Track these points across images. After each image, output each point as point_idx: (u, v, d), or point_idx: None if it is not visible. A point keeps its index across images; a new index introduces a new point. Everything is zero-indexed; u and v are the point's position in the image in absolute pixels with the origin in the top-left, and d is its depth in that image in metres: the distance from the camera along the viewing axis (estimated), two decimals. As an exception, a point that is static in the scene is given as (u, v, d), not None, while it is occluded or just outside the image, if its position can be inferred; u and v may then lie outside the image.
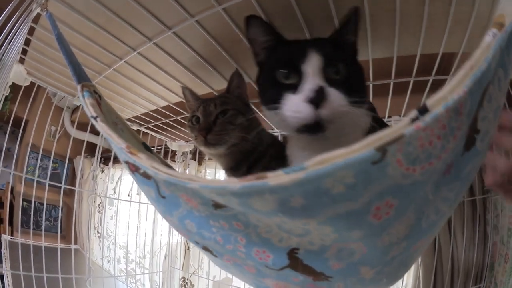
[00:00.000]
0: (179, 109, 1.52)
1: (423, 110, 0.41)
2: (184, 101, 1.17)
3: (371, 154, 0.39)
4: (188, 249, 2.31)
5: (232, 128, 0.96)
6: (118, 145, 0.58)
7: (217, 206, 0.56)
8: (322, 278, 0.64)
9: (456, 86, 0.43)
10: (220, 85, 1.30)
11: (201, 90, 1.32)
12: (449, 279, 1.59)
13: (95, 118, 0.65)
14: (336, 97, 0.66)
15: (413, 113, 0.41)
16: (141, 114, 1.67)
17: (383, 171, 0.42)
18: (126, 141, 0.58)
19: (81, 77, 0.78)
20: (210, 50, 1.11)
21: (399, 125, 0.40)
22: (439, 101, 0.42)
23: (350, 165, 0.39)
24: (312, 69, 0.70)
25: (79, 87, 0.74)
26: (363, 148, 0.39)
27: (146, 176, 0.60)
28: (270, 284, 0.73)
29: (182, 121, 1.64)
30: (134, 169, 0.60)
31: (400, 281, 1.77)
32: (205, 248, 0.71)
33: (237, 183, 0.42)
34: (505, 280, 1.44)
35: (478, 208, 1.59)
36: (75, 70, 0.79)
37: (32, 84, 1.45)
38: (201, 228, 0.64)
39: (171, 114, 1.62)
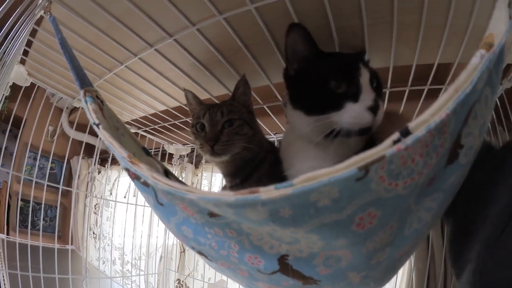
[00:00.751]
0: (177, 113, 1.54)
1: (405, 133, 0.43)
2: (185, 105, 1.19)
3: (354, 173, 0.42)
4: (184, 251, 2.32)
5: (238, 138, 0.97)
6: (119, 153, 0.60)
7: (212, 215, 0.58)
8: (311, 282, 0.67)
9: (439, 110, 0.45)
10: (218, 91, 1.32)
11: (200, 96, 1.32)
12: (442, 283, 1.59)
13: (97, 125, 0.67)
14: (381, 106, 0.74)
15: (396, 135, 0.43)
16: (140, 118, 1.68)
17: (366, 187, 0.45)
18: (127, 149, 0.61)
19: (84, 82, 0.79)
20: (210, 58, 1.12)
21: (382, 146, 0.43)
22: (422, 124, 0.44)
23: (334, 183, 0.42)
24: (365, 81, 0.77)
25: (82, 92, 0.75)
26: (347, 167, 0.42)
27: (145, 184, 0.61)
28: (262, 287, 0.76)
29: (180, 125, 1.65)
30: (134, 176, 0.62)
31: (393, 286, 1.78)
32: (200, 253, 0.74)
33: (232, 196, 0.45)
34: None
35: None
36: (78, 75, 0.80)
37: (32, 84, 1.46)
38: (197, 234, 0.67)
39: (169, 118, 1.63)
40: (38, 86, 1.49)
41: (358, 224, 0.52)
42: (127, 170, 0.62)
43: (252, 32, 0.99)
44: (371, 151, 0.43)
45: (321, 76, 0.81)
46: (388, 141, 0.43)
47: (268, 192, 0.43)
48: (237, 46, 1.04)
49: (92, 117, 0.68)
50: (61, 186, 1.86)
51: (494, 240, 0.64)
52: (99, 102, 0.76)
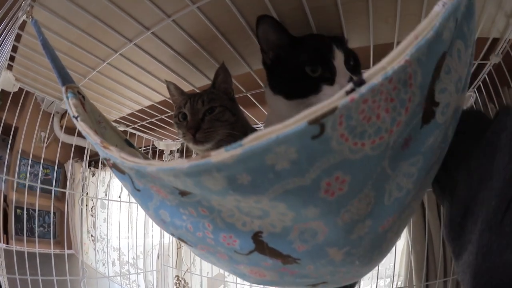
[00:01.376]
0: (163, 108, 1.55)
1: (359, 82, 0.40)
2: (169, 98, 1.20)
3: (304, 127, 0.39)
4: (180, 247, 2.34)
5: (220, 125, 0.99)
6: (94, 141, 0.60)
7: (182, 194, 0.58)
8: (291, 261, 0.64)
9: (397, 56, 0.42)
10: (200, 82, 1.34)
11: (183, 88, 1.33)
12: (442, 266, 1.59)
13: (76, 117, 0.67)
14: None
15: (349, 85, 0.40)
16: (127, 115, 1.69)
17: (326, 146, 0.42)
18: (101, 137, 0.61)
19: (65, 79, 0.81)
20: (189, 48, 1.14)
21: (334, 98, 0.40)
22: (377, 72, 0.41)
23: (285, 140, 0.39)
24: (339, 63, 0.80)
25: (63, 89, 0.77)
26: (296, 122, 0.39)
27: (120, 170, 0.62)
28: (244, 270, 0.75)
29: (167, 119, 1.67)
30: (111, 164, 0.62)
31: (393, 269, 1.80)
32: (180, 239, 0.73)
33: (185, 163, 0.43)
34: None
35: None
36: (60, 73, 0.82)
37: (20, 90, 1.47)
38: (173, 217, 0.66)
39: (156, 114, 1.65)
40: (27, 93, 1.50)
41: (326, 191, 0.48)
42: (105, 159, 0.62)
43: (227, 20, 1.00)
44: (322, 104, 0.39)
45: (296, 62, 0.85)
46: (340, 92, 0.40)
47: (218, 154, 0.41)
48: (213, 34, 1.06)
49: (72, 111, 0.70)
50: (53, 188, 1.88)
51: (499, 219, 0.59)
52: (81, 98, 0.77)
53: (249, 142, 0.40)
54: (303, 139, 0.40)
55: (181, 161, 0.44)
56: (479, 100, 1.44)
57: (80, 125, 0.65)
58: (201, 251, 0.75)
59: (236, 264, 0.72)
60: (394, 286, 1.78)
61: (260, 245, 0.62)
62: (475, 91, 1.42)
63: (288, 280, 0.74)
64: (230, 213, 0.58)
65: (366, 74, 0.41)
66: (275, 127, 0.39)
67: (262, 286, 1.84)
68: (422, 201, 1.61)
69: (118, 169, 0.62)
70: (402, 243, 1.80)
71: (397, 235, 0.72)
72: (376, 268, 1.73)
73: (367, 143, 0.45)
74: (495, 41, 1.17)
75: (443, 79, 0.52)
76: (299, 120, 0.39)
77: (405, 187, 0.58)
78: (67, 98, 0.74)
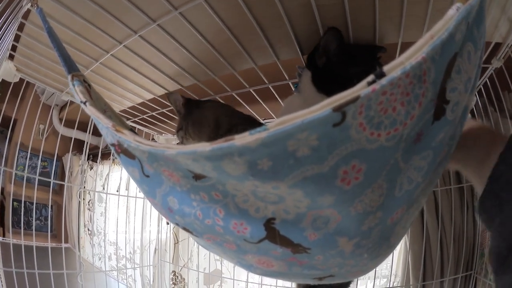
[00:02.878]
0: (164, 102, 1.55)
1: (380, 74, 0.42)
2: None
3: (328, 114, 0.40)
4: (178, 242, 2.34)
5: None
6: (105, 125, 0.59)
7: (197, 177, 0.57)
8: (301, 250, 0.65)
9: (414, 53, 0.44)
10: (204, 76, 1.33)
11: (186, 81, 1.36)
12: (439, 266, 1.60)
13: (84, 103, 0.67)
14: None
15: (370, 77, 0.42)
16: (128, 108, 1.69)
17: (346, 134, 0.44)
18: (113, 121, 0.60)
19: (71, 68, 0.81)
20: (194, 42, 1.14)
21: (356, 87, 0.42)
22: (396, 66, 0.43)
23: (309, 126, 0.41)
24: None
25: (69, 77, 0.77)
26: (321, 109, 0.40)
27: (130, 156, 0.62)
28: (252, 260, 0.74)
29: (168, 113, 1.67)
30: (119, 150, 0.62)
31: (389, 269, 1.80)
32: (186, 229, 0.73)
33: (207, 146, 0.44)
34: (496, 267, 1.46)
35: (465, 195, 1.61)
36: (66, 61, 0.81)
37: (20, 83, 1.47)
38: (182, 204, 0.66)
39: (157, 107, 1.65)
40: (27, 85, 1.51)
41: (342, 179, 0.50)
42: (113, 145, 0.63)
43: (233, 14, 1.00)
44: (345, 92, 0.41)
45: (346, 73, 0.94)
46: (362, 83, 0.42)
47: (243, 138, 0.42)
48: (219, 28, 1.05)
49: (80, 97, 0.69)
50: (52, 180, 1.88)
51: None
52: (86, 86, 0.77)
53: (275, 126, 0.41)
54: (325, 126, 0.41)
55: (202, 145, 0.44)
56: (479, 103, 1.45)
57: (90, 110, 0.65)
58: (207, 242, 0.74)
59: (243, 254, 0.72)
60: (391, 286, 1.77)
61: (271, 232, 0.62)
62: (475, 94, 1.43)
63: (296, 271, 0.74)
64: (245, 198, 0.59)
65: (386, 68, 0.42)
66: (300, 112, 0.40)
67: (259, 282, 1.87)
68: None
69: (127, 154, 0.62)
70: (400, 243, 1.80)
71: (404, 229, 0.73)
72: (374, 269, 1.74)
73: (383, 134, 0.47)
74: (498, 45, 1.17)
75: (454, 78, 0.54)
76: (324, 106, 0.40)
77: (415, 180, 0.60)
78: (74, 85, 0.73)
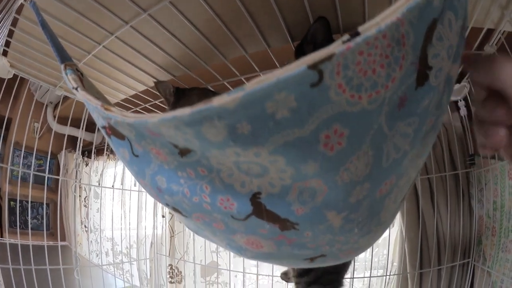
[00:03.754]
0: (157, 93, 1.50)
1: (355, 34, 0.42)
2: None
3: (303, 71, 0.40)
4: (173, 235, 2.35)
5: None
6: (95, 105, 0.59)
7: (182, 153, 0.58)
8: (289, 226, 0.65)
9: (390, 15, 0.44)
10: (196, 66, 1.34)
11: (177, 71, 1.37)
12: (436, 254, 1.61)
13: (76, 88, 0.67)
14: None
15: (345, 36, 0.42)
16: (121, 101, 1.69)
17: (325, 96, 0.44)
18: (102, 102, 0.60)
19: (64, 58, 0.82)
20: (185, 31, 1.15)
21: (331, 46, 0.41)
22: (371, 26, 0.43)
23: (285, 84, 0.41)
24: None
25: (62, 66, 0.77)
26: (296, 66, 0.40)
27: (120, 136, 0.63)
28: (241, 241, 0.75)
29: (161, 105, 1.67)
30: (110, 132, 0.63)
31: (386, 257, 1.81)
32: (175, 209, 0.73)
33: (187, 110, 0.43)
34: (493, 253, 1.48)
35: (461, 182, 1.62)
36: (59, 52, 0.82)
37: (13, 81, 1.48)
38: (170, 182, 0.66)
39: (150, 99, 1.65)
40: (20, 83, 1.51)
41: (325, 144, 0.49)
42: (104, 128, 0.64)
43: (224, 2, 1.01)
44: (321, 51, 0.41)
45: None
46: (337, 42, 0.41)
47: (221, 98, 0.41)
48: (210, 17, 1.06)
49: (72, 84, 0.70)
50: (46, 175, 1.89)
51: None
52: (79, 74, 0.78)
53: (251, 86, 0.41)
54: (302, 85, 0.41)
55: (182, 110, 0.44)
56: (473, 91, 1.45)
57: (80, 94, 0.65)
58: (196, 222, 0.74)
59: (232, 234, 0.72)
60: (388, 274, 1.78)
61: (258, 207, 0.62)
62: (468, 82, 1.44)
63: (286, 250, 0.74)
64: (229, 172, 0.59)
65: (361, 28, 0.42)
66: (276, 72, 0.40)
67: (256, 273, 1.89)
68: (415, 189, 1.63)
69: (117, 135, 0.63)
70: (396, 231, 1.82)
71: (395, 205, 0.73)
72: (370, 257, 1.75)
73: (364, 97, 0.47)
74: (490, 32, 1.18)
75: (435, 45, 0.53)
76: (299, 64, 0.40)
77: (402, 148, 0.60)
78: (66, 74, 0.74)
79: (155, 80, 1.42)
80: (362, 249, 0.82)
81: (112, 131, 0.62)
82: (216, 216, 0.67)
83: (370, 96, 0.47)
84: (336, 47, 0.41)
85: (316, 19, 0.98)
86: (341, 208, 0.61)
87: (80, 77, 0.77)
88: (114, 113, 0.55)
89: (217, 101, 0.41)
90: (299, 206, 0.60)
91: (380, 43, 0.44)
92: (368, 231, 0.71)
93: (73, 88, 0.69)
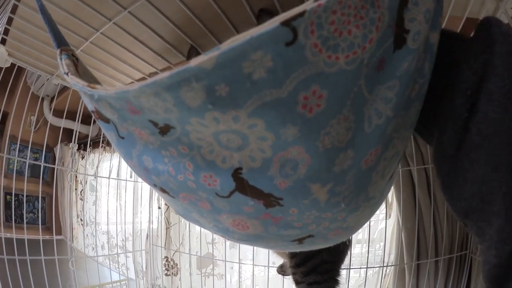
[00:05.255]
0: None
1: None
2: (161, 70, 1.23)
3: (277, 28, 0.40)
4: (169, 227, 2.35)
5: None
6: (81, 85, 0.60)
7: (162, 131, 0.58)
8: (273, 202, 0.64)
9: None
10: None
11: (174, 58, 1.38)
12: (433, 245, 1.61)
13: (66, 73, 0.67)
14: None
15: None
16: None
17: (301, 55, 0.44)
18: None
19: (61, 42, 0.82)
20: (183, 17, 1.15)
21: (304, 4, 0.42)
22: None
23: (260, 42, 0.41)
24: None
25: (58, 51, 0.78)
26: (269, 24, 0.40)
27: (105, 120, 0.63)
28: (227, 222, 0.74)
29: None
30: (97, 116, 0.64)
31: (383, 249, 1.82)
32: (163, 190, 0.73)
33: (166, 73, 0.44)
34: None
35: None
36: (56, 37, 0.83)
37: (9, 74, 1.50)
38: (156, 162, 0.66)
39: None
40: (16, 77, 1.52)
41: (304, 106, 0.49)
42: (93, 112, 0.64)
43: None
44: (293, 9, 0.41)
45: None
46: (310, 0, 0.42)
47: (197, 59, 0.42)
48: (208, 3, 1.07)
49: (64, 68, 0.70)
50: (42, 164, 1.88)
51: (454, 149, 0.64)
52: (74, 59, 0.79)
53: (226, 44, 0.41)
54: (277, 44, 0.42)
55: (162, 74, 0.44)
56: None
57: (70, 78, 0.66)
58: (183, 202, 0.74)
59: (218, 214, 0.72)
60: (385, 266, 1.79)
61: (240, 183, 0.62)
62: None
63: (273, 232, 0.74)
64: (210, 148, 0.59)
65: None
66: (250, 30, 0.41)
67: (251, 263, 1.89)
68: (412, 179, 1.64)
69: (103, 119, 0.63)
70: (393, 223, 1.83)
71: (383, 180, 0.72)
72: (366, 253, 1.76)
73: (341, 57, 0.47)
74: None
75: (411, 9, 0.55)
76: (272, 22, 0.40)
77: (384, 113, 0.59)
78: (61, 59, 0.74)
79: (151, 67, 1.43)
80: (351, 229, 0.81)
81: (99, 115, 0.63)
82: (202, 194, 0.67)
83: (347, 57, 0.48)
84: (308, 4, 0.41)
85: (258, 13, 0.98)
86: (325, 179, 0.61)
87: (75, 62, 0.77)
88: (98, 90, 0.56)
89: (194, 61, 0.42)
90: (281, 179, 0.60)
91: (353, 3, 0.45)
92: (356, 207, 0.70)
93: (64, 73, 0.69)
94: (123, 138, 0.66)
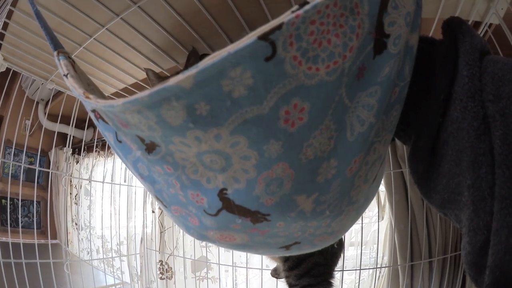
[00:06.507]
0: (146, 86, 1.56)
1: (304, 3, 0.42)
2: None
3: (254, 42, 0.40)
4: (163, 231, 2.35)
5: None
6: (78, 93, 0.60)
7: (148, 149, 0.58)
8: (261, 218, 0.63)
9: None
10: (184, 57, 1.32)
11: (166, 64, 1.38)
12: (427, 246, 1.61)
13: (66, 75, 0.68)
14: None
15: (294, 7, 0.42)
16: (111, 94, 1.69)
17: (280, 70, 0.44)
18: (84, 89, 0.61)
19: (57, 45, 0.83)
20: (174, 23, 1.16)
21: (281, 16, 0.41)
22: None
23: (239, 59, 0.40)
24: None
25: (55, 53, 0.79)
26: (246, 39, 0.40)
27: (105, 121, 0.62)
28: (214, 237, 0.73)
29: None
30: (98, 115, 0.62)
31: (376, 251, 1.81)
32: (157, 197, 0.73)
33: (146, 92, 0.44)
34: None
35: None
36: (52, 40, 0.84)
37: (4, 79, 1.50)
38: (150, 171, 0.66)
39: (138, 92, 1.62)
40: (11, 80, 1.53)
41: (286, 120, 0.49)
42: (93, 111, 0.62)
43: None
44: (270, 22, 0.41)
45: None
46: (287, 12, 0.42)
47: (176, 78, 0.42)
48: (197, 9, 1.07)
49: (63, 69, 0.70)
50: (37, 168, 1.89)
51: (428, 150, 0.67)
52: (71, 61, 0.80)
53: (203, 63, 0.41)
54: (257, 60, 0.41)
55: (142, 92, 0.45)
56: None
57: (69, 81, 0.66)
58: (174, 214, 0.74)
59: (205, 230, 0.71)
60: (378, 268, 1.79)
61: (227, 202, 0.62)
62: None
63: (259, 240, 0.73)
64: (194, 169, 0.59)
65: None
66: (228, 47, 0.41)
67: (245, 266, 1.90)
68: (404, 180, 1.65)
69: (104, 120, 0.62)
70: (386, 225, 1.83)
71: (366, 184, 0.72)
72: (359, 255, 1.76)
73: (322, 68, 0.47)
74: (477, 24, 1.18)
75: (390, 13, 0.54)
76: (249, 37, 0.40)
77: (367, 121, 0.59)
78: (59, 60, 0.75)
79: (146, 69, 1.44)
80: (337, 233, 0.81)
81: (100, 115, 0.62)
82: (192, 209, 0.67)
83: (328, 67, 0.48)
84: (285, 16, 0.41)
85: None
86: (310, 190, 0.61)
87: (72, 64, 0.78)
88: (91, 100, 0.56)
89: (172, 80, 0.42)
90: (267, 197, 0.59)
91: (332, 11, 0.45)
92: (340, 212, 0.70)
93: (63, 74, 0.70)
94: (120, 142, 0.67)
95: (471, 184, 0.57)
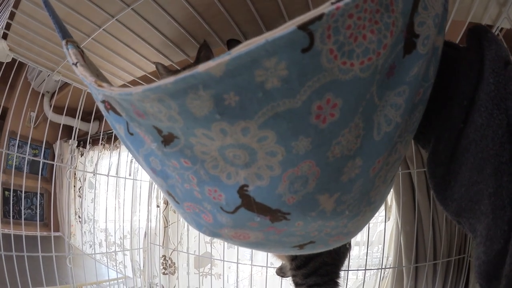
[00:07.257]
0: (155, 79, 1.51)
1: None
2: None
3: (293, 32, 0.38)
4: (167, 226, 2.35)
5: None
6: (89, 81, 0.58)
7: (165, 141, 0.56)
8: (280, 217, 0.62)
9: None
10: (195, 51, 1.31)
11: (176, 57, 1.37)
12: (431, 248, 1.60)
13: (75, 64, 0.67)
14: None
15: None
16: (120, 87, 1.66)
17: (316, 62, 0.42)
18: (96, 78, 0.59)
19: (65, 34, 0.82)
20: (186, 15, 1.14)
21: (321, 7, 0.40)
22: None
23: (275, 48, 0.39)
24: None
25: (63, 42, 0.78)
26: (285, 27, 0.38)
27: (117, 112, 0.61)
28: (228, 235, 0.72)
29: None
30: (109, 107, 0.62)
31: (381, 251, 1.81)
32: (168, 193, 0.72)
33: (171, 78, 0.41)
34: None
35: None
36: (60, 29, 0.83)
37: (9, 70, 1.49)
38: (164, 165, 0.65)
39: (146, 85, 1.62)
40: (17, 72, 1.52)
41: (317, 116, 0.48)
42: (103, 102, 0.62)
43: None
44: (310, 12, 0.39)
45: None
46: (327, 3, 0.40)
47: (206, 64, 0.39)
48: (212, 2, 1.06)
49: (72, 58, 0.69)
50: (41, 160, 1.88)
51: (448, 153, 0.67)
52: (80, 50, 0.79)
53: (238, 49, 0.39)
54: (293, 50, 0.40)
55: (167, 78, 0.42)
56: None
57: (79, 70, 0.65)
58: (186, 211, 0.73)
59: (219, 228, 0.70)
60: (383, 269, 1.78)
61: (246, 199, 0.60)
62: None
63: (274, 239, 0.72)
64: (214, 163, 0.57)
65: None
66: (265, 34, 0.39)
67: (250, 263, 1.89)
68: (412, 182, 1.63)
69: (115, 111, 0.61)
70: (391, 225, 1.82)
71: (384, 185, 0.71)
72: (364, 255, 1.75)
73: (356, 64, 0.46)
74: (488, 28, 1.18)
75: (421, 13, 0.54)
76: (288, 25, 0.38)
77: (393, 120, 0.58)
78: (68, 49, 0.73)
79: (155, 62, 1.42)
80: (351, 234, 0.80)
81: (111, 106, 0.61)
82: (207, 206, 0.66)
83: (362, 63, 0.46)
84: (325, 7, 0.40)
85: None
86: (333, 189, 0.60)
87: (81, 53, 0.77)
88: (104, 88, 0.54)
89: (202, 67, 0.40)
90: (290, 195, 0.58)
91: (369, 7, 0.43)
92: (358, 212, 0.69)
93: (73, 63, 0.68)
94: (132, 134, 0.65)
95: (493, 193, 0.57)
